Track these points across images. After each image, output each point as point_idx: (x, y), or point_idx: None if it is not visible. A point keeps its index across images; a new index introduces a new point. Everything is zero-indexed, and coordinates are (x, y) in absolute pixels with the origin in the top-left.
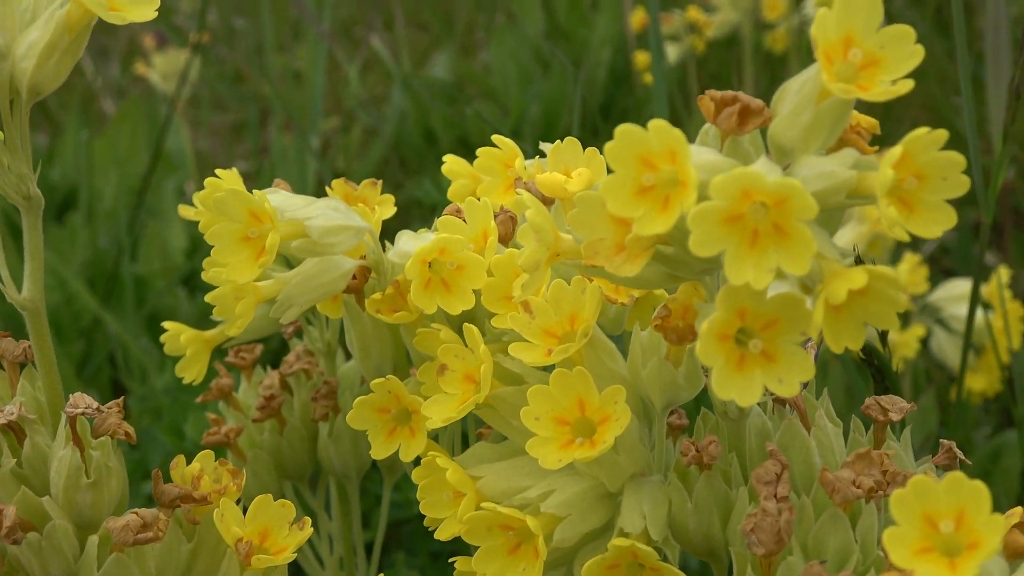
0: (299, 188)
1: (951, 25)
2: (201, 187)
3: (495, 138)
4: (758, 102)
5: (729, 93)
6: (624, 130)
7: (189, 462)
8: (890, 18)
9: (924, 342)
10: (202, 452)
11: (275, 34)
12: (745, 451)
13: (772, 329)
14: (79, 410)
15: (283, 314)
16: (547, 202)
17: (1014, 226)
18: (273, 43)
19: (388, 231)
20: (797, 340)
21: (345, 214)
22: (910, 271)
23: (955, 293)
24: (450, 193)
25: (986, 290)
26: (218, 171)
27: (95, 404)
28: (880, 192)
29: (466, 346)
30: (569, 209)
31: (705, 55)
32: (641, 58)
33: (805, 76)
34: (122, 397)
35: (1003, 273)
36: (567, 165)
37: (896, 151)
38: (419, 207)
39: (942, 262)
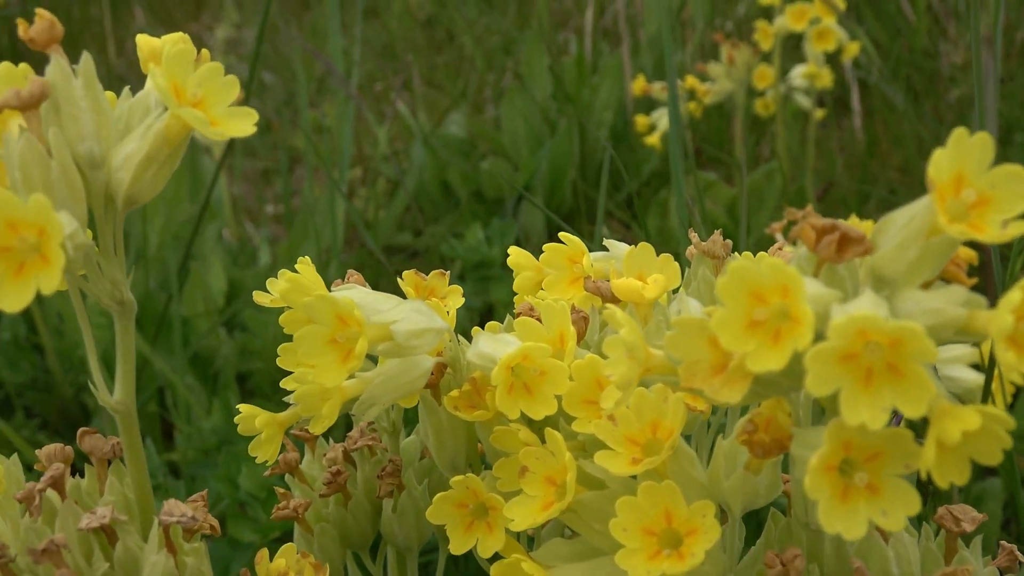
0: (330, 232)
1: (922, 94)
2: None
3: (563, 235)
4: (858, 232)
5: (829, 222)
6: (738, 267)
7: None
8: (864, 87)
9: None
10: (285, 546)
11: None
12: (822, 559)
13: (876, 462)
14: (174, 519)
15: (365, 412)
16: (615, 302)
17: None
18: (305, 98)
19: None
20: (901, 472)
21: (428, 316)
22: None
23: (949, 355)
24: (516, 285)
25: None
26: (298, 264)
27: (190, 512)
28: (998, 337)
29: (543, 446)
30: (644, 313)
31: (695, 118)
32: (641, 120)
33: (912, 211)
34: (204, 491)
35: None
36: (641, 270)
37: (1015, 297)
38: (438, 254)
39: None
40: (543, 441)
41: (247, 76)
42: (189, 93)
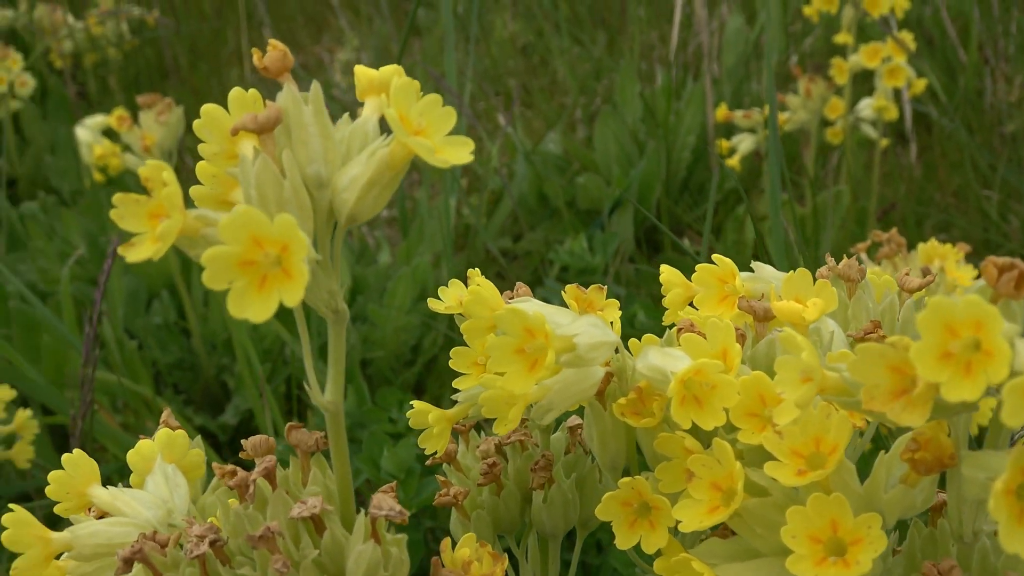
0: (445, 234)
1: (978, 127)
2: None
3: (715, 257)
4: None
5: (1008, 260)
6: (936, 302)
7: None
8: (922, 120)
9: None
10: (466, 536)
11: None
12: (970, 569)
13: None
14: (383, 512)
15: (543, 417)
16: (767, 320)
17: None
18: None
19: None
20: None
21: (603, 330)
22: None
23: None
24: (666, 301)
25: None
26: (472, 276)
27: (397, 507)
28: None
29: (708, 452)
30: (803, 334)
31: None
32: (723, 144)
33: None
34: (394, 482)
35: None
36: (799, 293)
37: None
38: (536, 258)
39: None
40: (703, 448)
41: None
42: (414, 122)
